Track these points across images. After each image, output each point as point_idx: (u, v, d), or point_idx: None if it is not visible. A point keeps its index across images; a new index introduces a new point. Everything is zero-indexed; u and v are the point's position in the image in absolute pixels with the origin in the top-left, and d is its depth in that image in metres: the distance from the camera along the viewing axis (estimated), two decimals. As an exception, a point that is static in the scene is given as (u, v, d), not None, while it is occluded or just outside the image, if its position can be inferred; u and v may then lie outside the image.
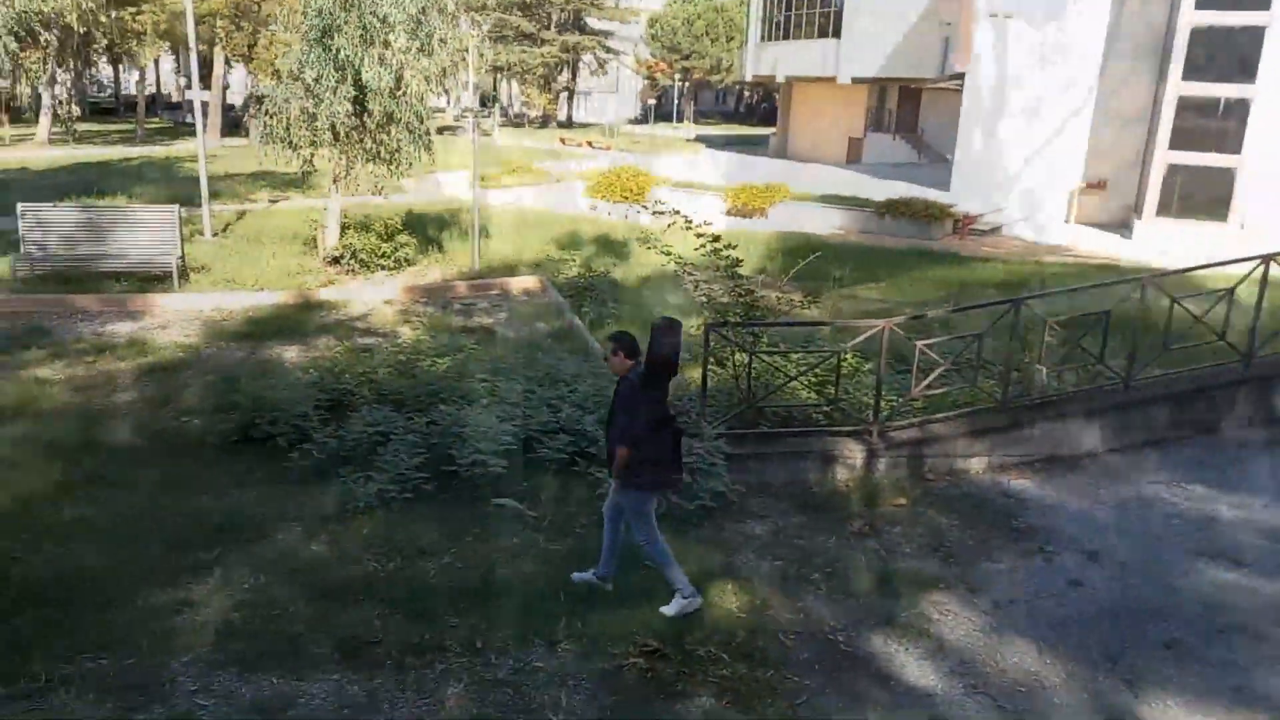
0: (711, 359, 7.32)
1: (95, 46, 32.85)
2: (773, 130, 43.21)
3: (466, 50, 14.31)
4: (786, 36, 35.06)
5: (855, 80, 32.72)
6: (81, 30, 27.70)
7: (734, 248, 7.82)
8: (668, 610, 5.07)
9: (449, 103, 49.31)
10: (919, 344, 7.24)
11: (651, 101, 66.63)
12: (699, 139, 47.28)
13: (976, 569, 5.82)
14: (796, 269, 9.88)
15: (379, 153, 13.41)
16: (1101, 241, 19.62)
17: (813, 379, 7.84)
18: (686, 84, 64.96)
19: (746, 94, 74.42)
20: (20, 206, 12.71)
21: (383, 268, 13.99)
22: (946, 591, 5.53)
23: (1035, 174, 22.07)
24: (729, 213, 21.24)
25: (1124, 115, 21.05)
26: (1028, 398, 7.79)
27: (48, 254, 12.56)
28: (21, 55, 21.70)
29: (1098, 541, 6.28)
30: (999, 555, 6.00)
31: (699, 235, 7.58)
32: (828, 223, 20.44)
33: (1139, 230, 19.41)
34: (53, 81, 31.26)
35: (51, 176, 22.35)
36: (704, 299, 7.94)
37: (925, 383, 7.38)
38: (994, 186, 22.44)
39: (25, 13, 11.35)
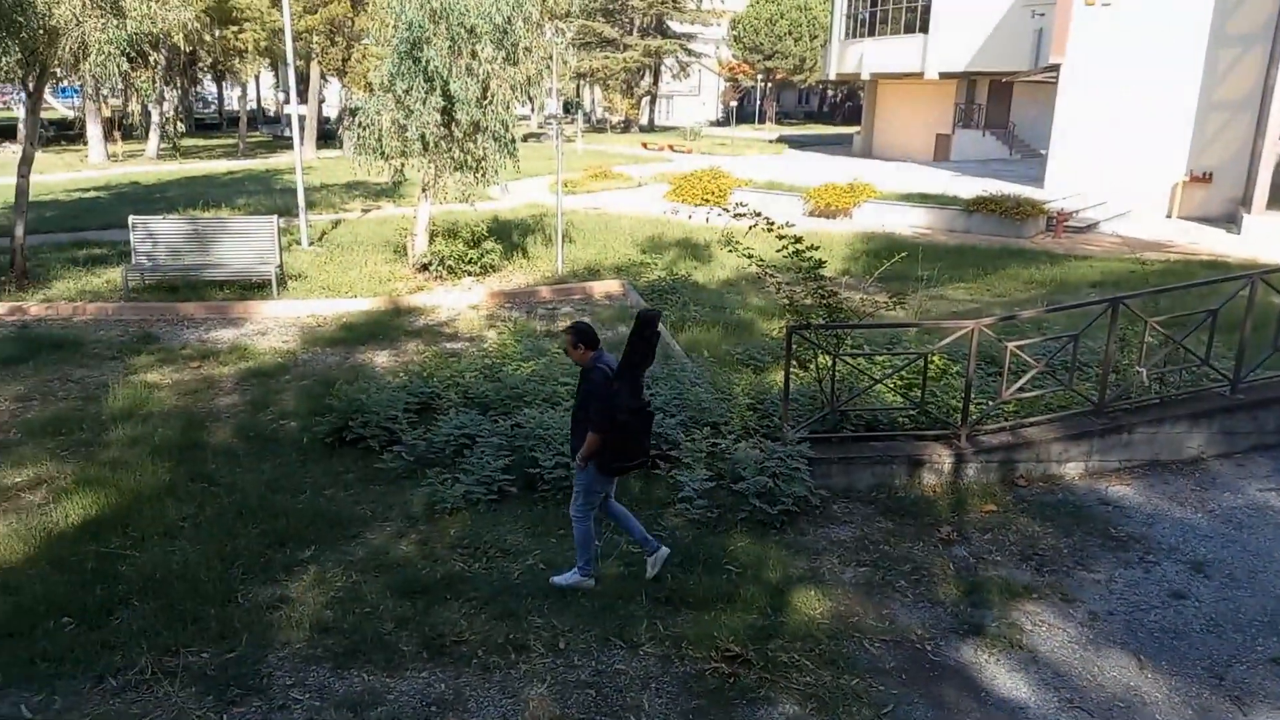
0: (794, 362, 7.25)
1: (200, 65, 34.51)
2: (857, 129, 42.52)
3: (551, 58, 14.48)
4: (871, 33, 34.47)
5: (943, 75, 31.96)
6: (188, 50, 29.16)
7: (816, 249, 7.72)
8: (557, 579, 5.36)
9: (533, 110, 50.09)
10: (1010, 345, 7.02)
11: (733, 103, 66.37)
12: (781, 139, 46.85)
13: (1072, 579, 5.61)
14: (881, 270, 9.70)
15: (466, 161, 13.70)
16: (1206, 237, 18.66)
17: (898, 382, 7.68)
18: (769, 85, 64.48)
19: (830, 93, 73.43)
20: (131, 219, 13.43)
21: (469, 274, 14.29)
22: (1040, 601, 5.35)
23: (1135, 167, 21.16)
24: (811, 213, 20.98)
25: (1231, 103, 20.01)
26: (1127, 401, 7.46)
27: (156, 264, 13.24)
28: (132, 75, 22.92)
29: (1202, 551, 5.99)
30: (1096, 565, 5.77)
31: (781, 237, 7.52)
32: (914, 222, 19.99)
33: (1247, 224, 18.40)
34: (161, 99, 32.98)
35: (160, 190, 23.56)
36: (786, 301, 7.87)
37: (1017, 385, 7.16)
38: (1090, 181, 21.59)
39: (136, 34, 12.02)
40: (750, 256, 7.81)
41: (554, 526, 6.10)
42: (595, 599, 5.21)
